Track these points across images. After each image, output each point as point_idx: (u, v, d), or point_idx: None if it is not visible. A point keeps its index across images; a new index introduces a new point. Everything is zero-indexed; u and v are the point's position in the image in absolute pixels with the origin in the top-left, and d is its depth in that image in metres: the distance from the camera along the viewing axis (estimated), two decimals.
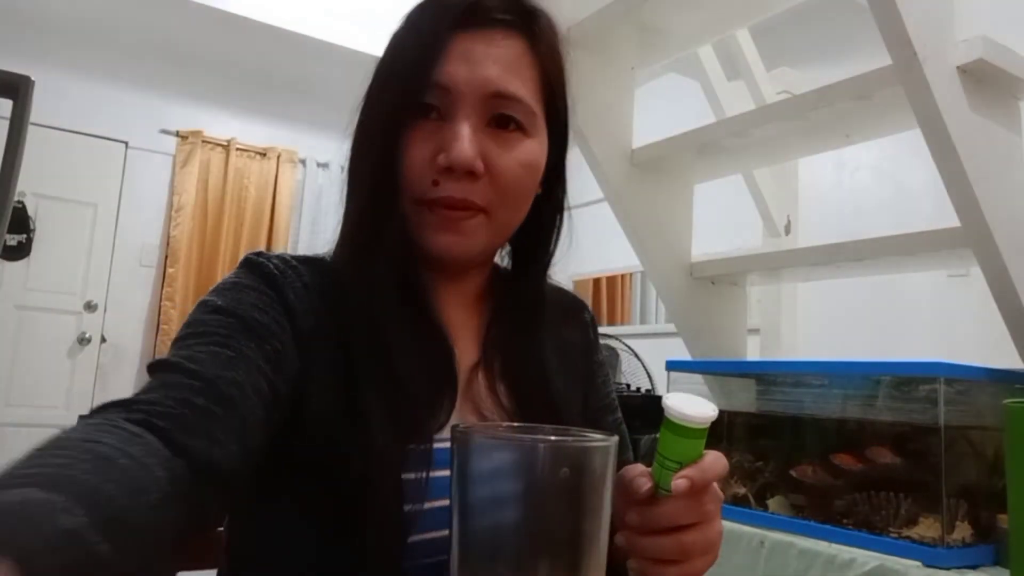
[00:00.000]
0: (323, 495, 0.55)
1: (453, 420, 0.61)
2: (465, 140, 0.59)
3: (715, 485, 0.52)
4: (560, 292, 0.78)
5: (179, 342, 0.54)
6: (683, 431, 0.49)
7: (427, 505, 0.56)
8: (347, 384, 0.58)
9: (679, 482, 0.49)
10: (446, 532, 0.54)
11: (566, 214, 0.71)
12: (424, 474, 0.56)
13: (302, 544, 0.57)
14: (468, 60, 0.61)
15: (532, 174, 0.64)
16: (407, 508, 0.55)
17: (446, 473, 0.55)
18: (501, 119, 0.62)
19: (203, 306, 0.57)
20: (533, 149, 0.64)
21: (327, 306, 0.61)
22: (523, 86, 0.62)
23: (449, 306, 0.68)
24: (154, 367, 0.52)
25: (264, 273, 0.60)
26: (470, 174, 0.60)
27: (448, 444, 0.57)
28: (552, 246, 0.71)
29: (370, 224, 0.63)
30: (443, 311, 0.66)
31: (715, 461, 0.51)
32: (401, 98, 0.61)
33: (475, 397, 0.65)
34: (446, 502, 0.53)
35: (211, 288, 0.59)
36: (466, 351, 0.67)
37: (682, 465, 0.49)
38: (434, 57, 0.60)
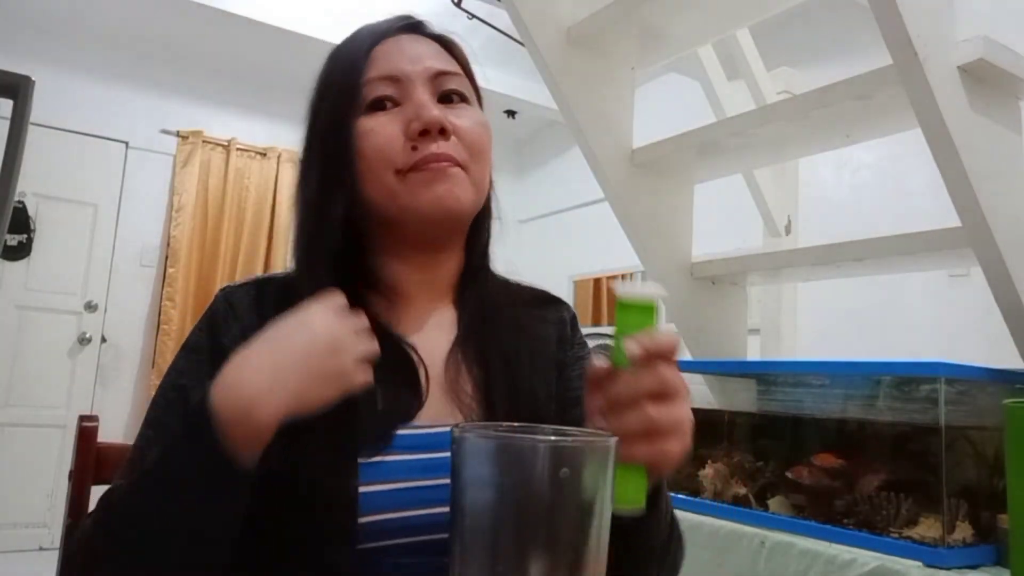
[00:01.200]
0: (277, 479, 0.59)
1: (433, 404, 0.66)
2: (429, 104, 0.67)
3: (680, 375, 0.53)
4: (540, 292, 0.83)
5: (147, 427, 0.64)
6: (633, 308, 0.52)
7: (385, 487, 0.60)
8: None
9: (631, 344, 0.51)
10: (404, 514, 0.60)
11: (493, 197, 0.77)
12: (377, 458, 0.61)
13: (255, 524, 0.58)
14: (406, 54, 0.69)
15: (487, 133, 0.71)
16: (364, 490, 0.59)
17: (404, 458, 0.62)
18: (447, 96, 0.70)
19: (167, 388, 0.65)
20: (481, 113, 0.72)
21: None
22: (457, 68, 0.72)
23: (419, 298, 0.72)
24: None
25: (213, 324, 0.67)
26: (443, 132, 0.66)
27: (417, 431, 0.64)
28: (488, 225, 0.77)
29: (320, 221, 0.68)
30: (412, 304, 0.71)
31: (666, 333, 0.53)
32: (348, 100, 0.68)
33: (451, 381, 0.69)
34: (404, 485, 0.61)
35: (181, 347, 0.68)
36: (441, 340, 0.71)
37: None
38: (368, 60, 0.68)
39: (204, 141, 4.05)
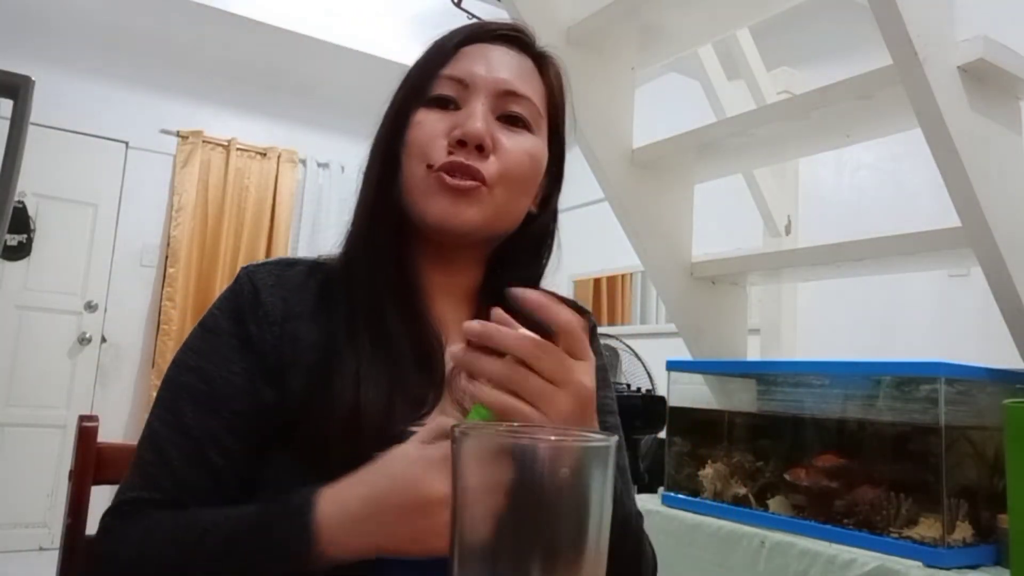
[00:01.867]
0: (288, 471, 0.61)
1: (435, 412, 0.65)
2: (479, 117, 0.66)
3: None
4: (562, 300, 0.80)
5: (161, 407, 0.64)
6: None
7: None
8: (328, 365, 0.63)
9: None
10: None
11: (556, 235, 0.77)
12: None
13: None
14: (485, 61, 0.69)
15: (534, 165, 0.70)
16: None
17: None
18: (510, 117, 0.69)
19: (183, 369, 0.64)
20: (537, 144, 0.70)
21: (313, 305, 0.67)
22: (533, 91, 0.70)
23: (440, 299, 0.72)
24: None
25: (236, 306, 0.66)
26: (480, 149, 0.66)
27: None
28: (544, 259, 0.77)
29: (375, 205, 0.69)
30: (434, 304, 0.71)
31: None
32: (416, 88, 0.69)
33: (456, 390, 0.67)
34: None
35: (198, 324, 0.67)
36: (452, 345, 0.70)
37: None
38: (451, 57, 0.69)
39: (204, 141, 4.04)
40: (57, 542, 0.82)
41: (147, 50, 3.90)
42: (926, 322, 2.54)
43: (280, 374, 0.63)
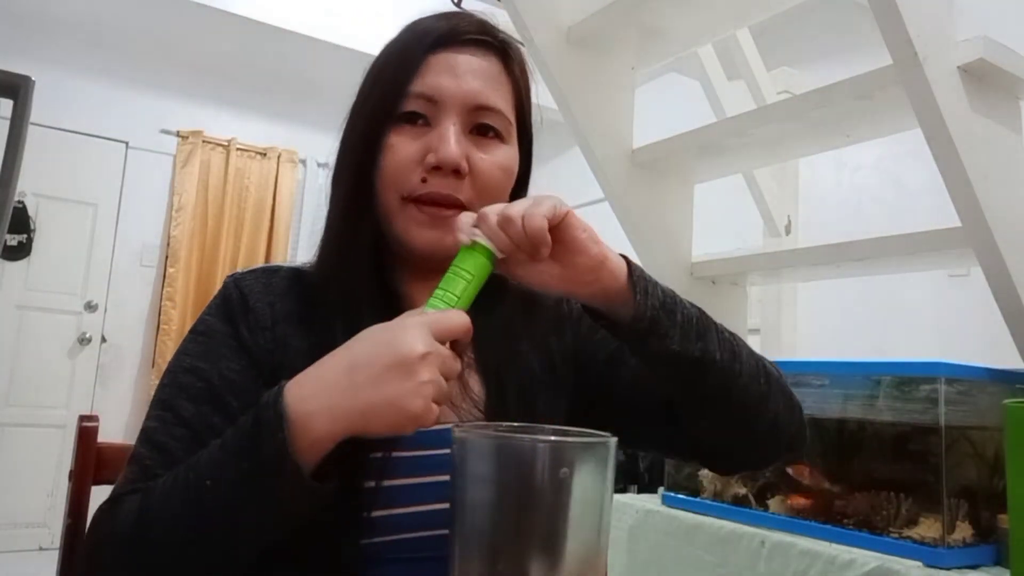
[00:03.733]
0: None
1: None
2: (452, 141, 0.65)
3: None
4: (544, 298, 0.81)
5: (158, 408, 0.63)
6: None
7: (389, 483, 0.61)
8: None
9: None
10: (408, 509, 0.61)
11: None
12: (388, 453, 0.61)
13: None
14: (453, 73, 0.67)
15: (508, 177, 0.71)
16: (368, 484, 0.60)
17: (410, 454, 0.62)
18: (481, 128, 0.69)
19: (179, 371, 0.64)
20: (509, 154, 0.71)
21: (299, 311, 0.68)
22: (501, 99, 0.70)
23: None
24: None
25: (227, 311, 0.67)
26: (456, 172, 0.66)
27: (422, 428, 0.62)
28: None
29: (348, 224, 0.69)
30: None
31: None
32: (386, 106, 0.67)
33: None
34: (408, 481, 0.62)
35: (189, 331, 0.67)
36: None
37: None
38: (418, 69, 0.67)
39: (204, 141, 4.04)
40: (57, 542, 0.82)
41: (147, 50, 3.90)
42: (926, 322, 2.54)
43: (274, 377, 0.62)
